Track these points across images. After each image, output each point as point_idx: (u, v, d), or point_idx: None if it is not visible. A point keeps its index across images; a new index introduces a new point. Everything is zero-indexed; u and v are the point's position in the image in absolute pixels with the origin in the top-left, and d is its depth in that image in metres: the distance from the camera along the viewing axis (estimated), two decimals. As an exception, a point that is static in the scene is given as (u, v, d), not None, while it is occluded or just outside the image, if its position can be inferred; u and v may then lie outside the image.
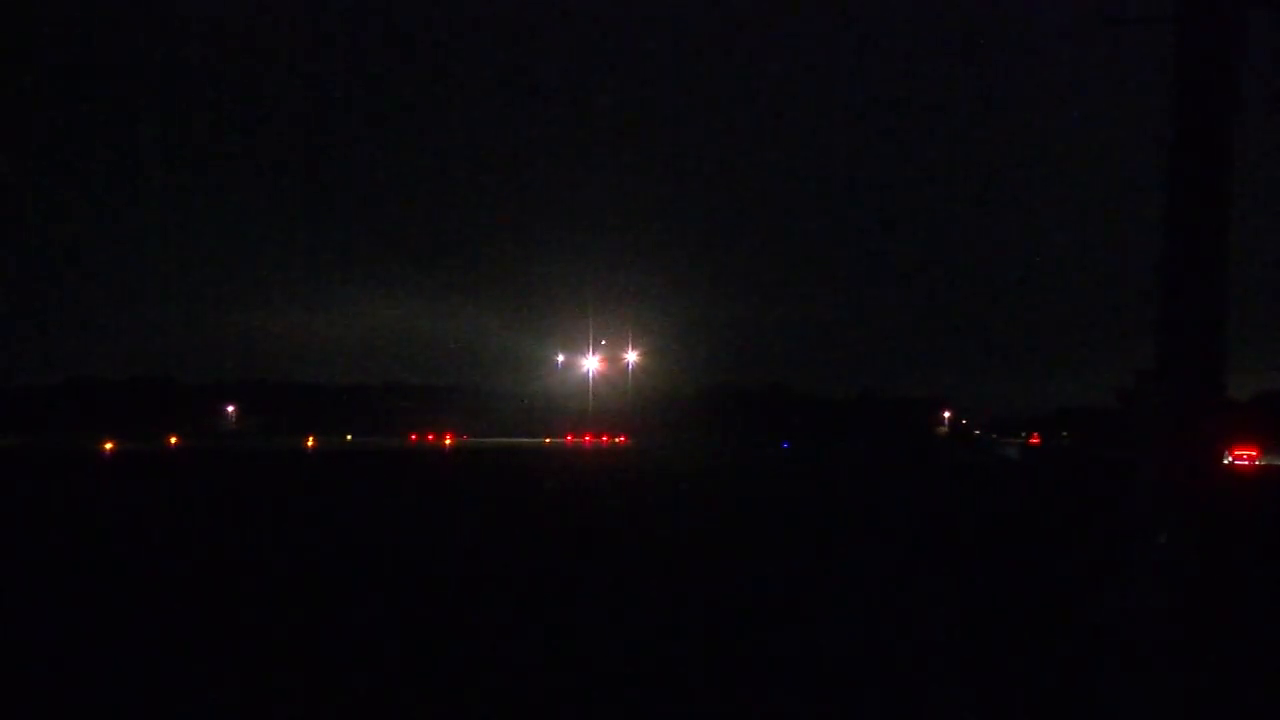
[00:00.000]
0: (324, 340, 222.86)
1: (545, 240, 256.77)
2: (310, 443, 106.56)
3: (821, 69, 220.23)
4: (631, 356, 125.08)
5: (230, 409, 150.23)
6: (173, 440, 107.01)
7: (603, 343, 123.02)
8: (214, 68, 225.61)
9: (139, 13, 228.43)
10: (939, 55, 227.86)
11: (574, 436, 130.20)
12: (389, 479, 41.88)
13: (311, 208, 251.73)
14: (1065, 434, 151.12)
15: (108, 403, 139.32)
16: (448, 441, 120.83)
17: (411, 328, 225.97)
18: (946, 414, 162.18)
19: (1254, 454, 79.39)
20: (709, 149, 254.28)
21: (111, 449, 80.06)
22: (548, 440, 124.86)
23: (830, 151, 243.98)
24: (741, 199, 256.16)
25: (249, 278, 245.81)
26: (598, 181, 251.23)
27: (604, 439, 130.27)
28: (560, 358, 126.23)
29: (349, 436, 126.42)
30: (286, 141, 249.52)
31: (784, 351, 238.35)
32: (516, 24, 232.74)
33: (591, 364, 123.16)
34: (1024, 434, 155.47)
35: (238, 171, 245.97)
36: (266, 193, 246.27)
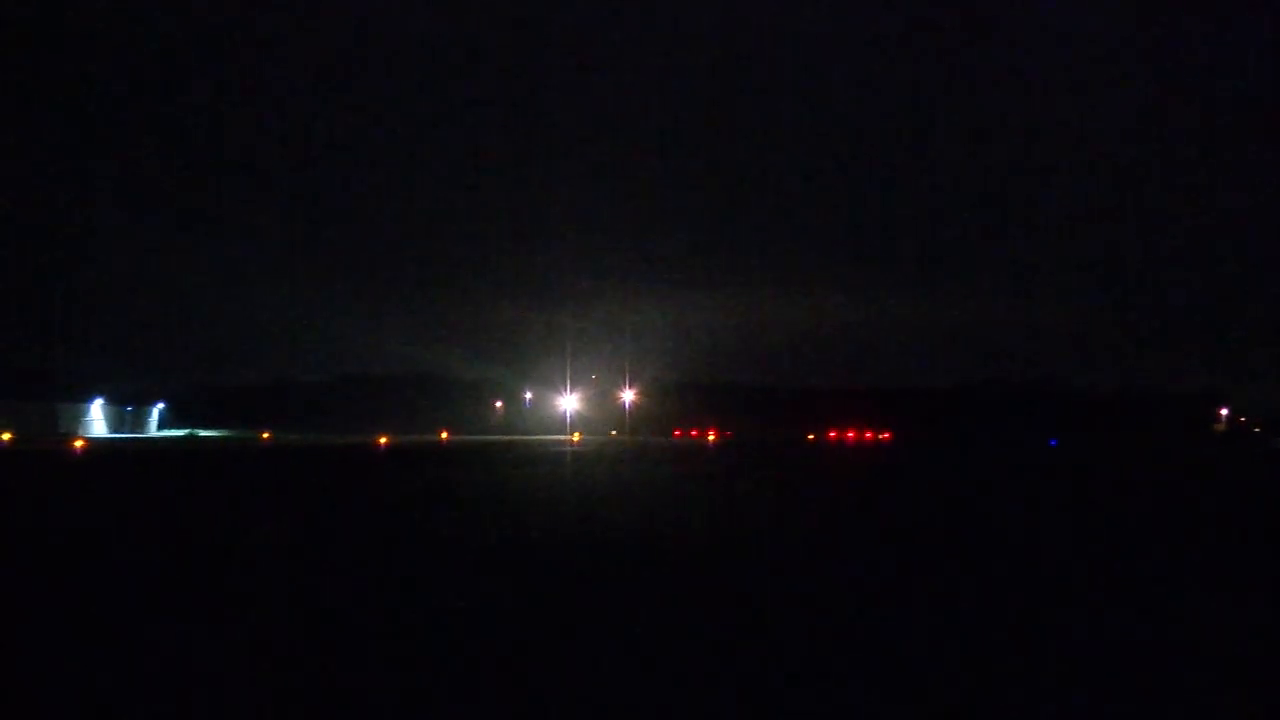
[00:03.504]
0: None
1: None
2: (576, 438, 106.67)
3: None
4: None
5: (498, 404, 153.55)
6: (444, 435, 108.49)
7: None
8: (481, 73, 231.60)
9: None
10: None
11: (837, 433, 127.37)
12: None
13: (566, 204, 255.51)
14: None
15: (379, 398, 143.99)
16: (711, 437, 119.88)
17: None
18: (1224, 410, 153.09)
19: None
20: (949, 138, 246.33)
21: (385, 443, 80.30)
22: (811, 436, 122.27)
23: (1111, 145, 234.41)
24: (1012, 194, 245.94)
25: (511, 275, 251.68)
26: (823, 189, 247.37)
27: (868, 435, 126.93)
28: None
29: (613, 433, 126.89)
30: (557, 149, 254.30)
31: (1056, 346, 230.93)
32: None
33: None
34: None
35: (502, 173, 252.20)
36: (543, 194, 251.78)
